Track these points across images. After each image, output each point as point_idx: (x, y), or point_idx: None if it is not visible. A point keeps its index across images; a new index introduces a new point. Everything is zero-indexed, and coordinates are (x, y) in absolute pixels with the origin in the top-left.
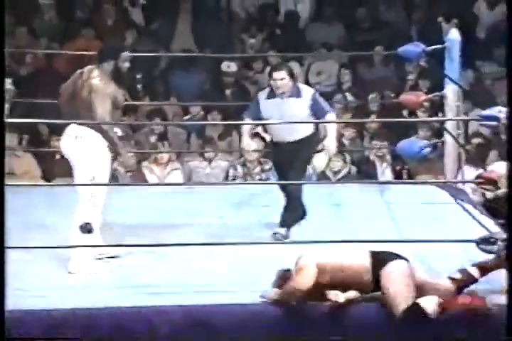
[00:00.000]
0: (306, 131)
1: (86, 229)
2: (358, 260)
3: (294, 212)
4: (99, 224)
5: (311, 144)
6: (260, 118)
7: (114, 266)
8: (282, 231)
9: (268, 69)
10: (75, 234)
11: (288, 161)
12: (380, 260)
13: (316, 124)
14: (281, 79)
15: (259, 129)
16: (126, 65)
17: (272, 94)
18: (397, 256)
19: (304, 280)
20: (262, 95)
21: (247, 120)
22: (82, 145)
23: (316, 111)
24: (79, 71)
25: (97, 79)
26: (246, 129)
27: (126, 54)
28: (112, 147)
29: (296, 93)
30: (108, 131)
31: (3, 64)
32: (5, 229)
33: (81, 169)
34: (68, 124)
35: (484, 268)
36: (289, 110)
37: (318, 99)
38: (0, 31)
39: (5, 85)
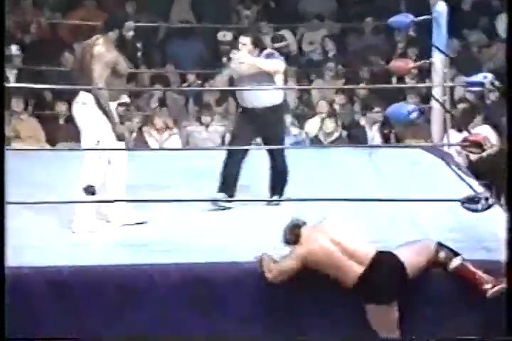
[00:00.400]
0: (277, 97)
1: (89, 191)
2: (363, 249)
3: (280, 178)
4: (100, 185)
5: (281, 112)
6: (231, 79)
7: (115, 226)
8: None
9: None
10: (78, 196)
11: (260, 127)
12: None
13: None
14: (243, 45)
15: None
16: (130, 33)
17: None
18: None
19: (296, 262)
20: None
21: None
22: (87, 111)
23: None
24: (88, 40)
25: (100, 47)
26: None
27: (130, 23)
28: (105, 116)
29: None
30: (102, 98)
31: (3, 63)
32: (5, 185)
33: (86, 133)
34: (78, 91)
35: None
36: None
37: (270, 55)
38: (0, 32)
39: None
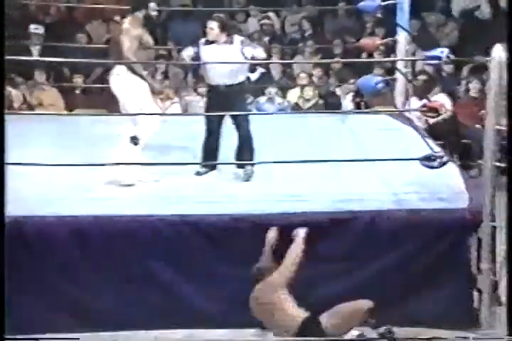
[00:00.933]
0: (240, 76)
1: (134, 141)
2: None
3: (247, 146)
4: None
5: (243, 89)
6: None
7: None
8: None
9: (250, 20)
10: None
11: (227, 103)
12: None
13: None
14: (211, 29)
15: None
16: (154, 13)
17: (209, 41)
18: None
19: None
20: (202, 41)
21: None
22: (121, 81)
23: (245, 52)
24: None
25: (127, 24)
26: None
27: (153, 4)
28: (141, 79)
29: (230, 41)
30: (135, 66)
31: (3, 63)
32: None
33: (127, 101)
34: (112, 66)
35: None
36: (224, 55)
37: (245, 42)
38: (0, 33)
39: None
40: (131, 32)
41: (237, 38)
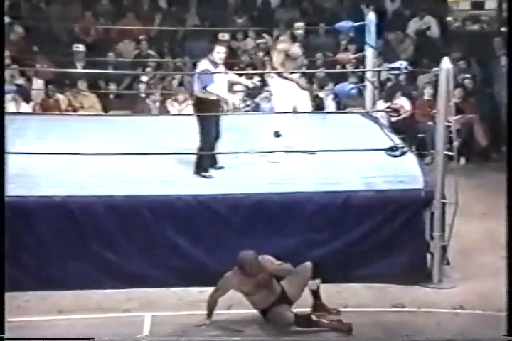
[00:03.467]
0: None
1: (276, 134)
2: None
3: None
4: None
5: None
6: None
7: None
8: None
9: (248, 39)
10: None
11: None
12: None
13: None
14: (224, 53)
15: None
16: (300, 31)
17: (216, 65)
18: None
19: None
20: (207, 65)
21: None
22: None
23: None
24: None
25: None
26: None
27: (300, 24)
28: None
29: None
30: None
31: (3, 63)
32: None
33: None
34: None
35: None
36: (226, 76)
37: None
38: (0, 34)
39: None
40: (278, 47)
41: None
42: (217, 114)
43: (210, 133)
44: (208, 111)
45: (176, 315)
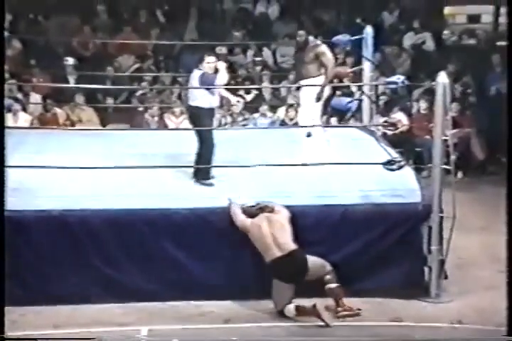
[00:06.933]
0: (212, 102)
1: (308, 135)
2: None
3: (208, 153)
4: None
5: (213, 112)
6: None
7: None
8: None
9: (248, 53)
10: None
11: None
12: None
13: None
14: (212, 62)
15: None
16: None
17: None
18: None
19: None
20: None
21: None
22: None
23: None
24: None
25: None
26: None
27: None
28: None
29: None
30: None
31: (3, 64)
32: (5, 147)
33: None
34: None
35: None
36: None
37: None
38: (0, 35)
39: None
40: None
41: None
42: (215, 128)
43: (207, 139)
44: (203, 117)
45: (172, 329)
